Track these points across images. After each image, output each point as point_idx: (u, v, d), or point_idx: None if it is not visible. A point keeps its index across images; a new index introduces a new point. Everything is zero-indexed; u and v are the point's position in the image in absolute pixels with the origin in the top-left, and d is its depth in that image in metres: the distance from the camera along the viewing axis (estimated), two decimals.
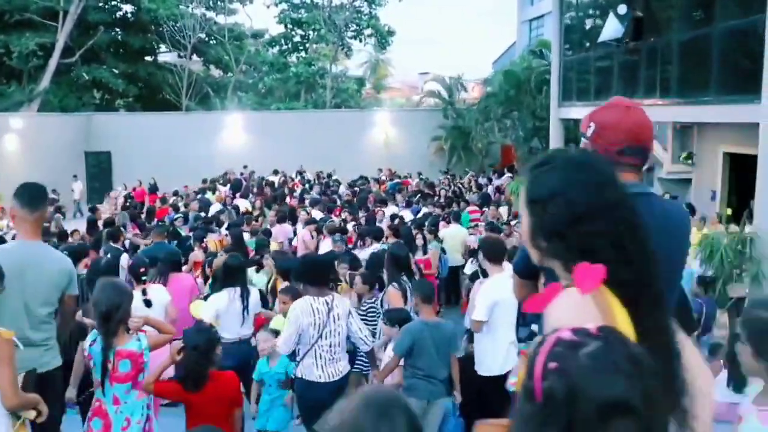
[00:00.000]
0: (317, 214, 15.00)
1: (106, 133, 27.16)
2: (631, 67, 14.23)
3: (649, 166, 18.25)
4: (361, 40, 35.58)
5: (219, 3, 33.66)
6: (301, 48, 34.87)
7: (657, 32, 13.21)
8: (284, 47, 34.58)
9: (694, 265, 9.19)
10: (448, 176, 23.14)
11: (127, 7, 32.65)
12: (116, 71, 32.06)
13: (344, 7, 32.98)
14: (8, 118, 23.10)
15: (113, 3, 32.45)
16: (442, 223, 13.22)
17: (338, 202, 17.49)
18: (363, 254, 10.99)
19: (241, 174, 23.64)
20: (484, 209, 15.80)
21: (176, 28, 30.68)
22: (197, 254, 9.91)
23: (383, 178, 24.10)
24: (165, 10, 30.23)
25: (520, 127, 20.96)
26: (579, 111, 16.24)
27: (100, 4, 31.42)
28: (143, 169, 24.43)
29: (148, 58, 34.04)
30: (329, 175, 24.13)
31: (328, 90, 32.86)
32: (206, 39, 33.97)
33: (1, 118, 22.94)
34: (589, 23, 16.40)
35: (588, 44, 16.19)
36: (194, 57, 35.13)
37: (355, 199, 17.36)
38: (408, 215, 15.83)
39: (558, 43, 17.01)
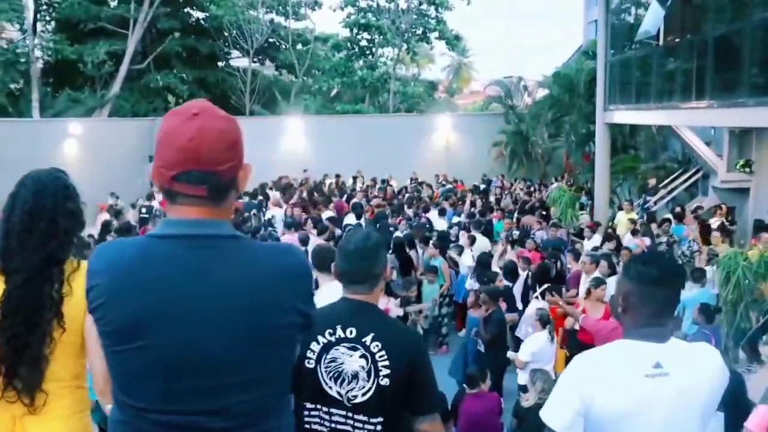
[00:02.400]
0: (351, 218, 14.81)
1: None
2: (681, 65, 13.20)
3: (704, 174, 17.02)
4: (429, 44, 35.07)
5: (288, 8, 33.86)
6: (368, 52, 34.68)
7: (709, 25, 12.10)
8: (351, 51, 34.45)
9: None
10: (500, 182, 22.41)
11: (198, 14, 33.31)
12: (185, 77, 32.79)
13: (410, 11, 32.57)
14: (67, 123, 23.70)
15: (184, 10, 33.17)
16: (462, 235, 12.66)
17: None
18: None
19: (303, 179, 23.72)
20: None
21: (242, 33, 31.08)
22: None
23: (438, 183, 23.68)
24: (231, 16, 30.64)
25: (572, 131, 19.98)
26: (624, 115, 15.29)
27: (170, 11, 32.13)
28: None
29: (218, 64, 34.55)
30: (384, 181, 23.80)
31: (390, 94, 32.51)
32: (274, 43, 34.25)
33: (60, 124, 23.59)
34: (634, 21, 15.41)
35: (633, 44, 15.22)
36: (253, 59, 35.60)
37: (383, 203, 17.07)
38: (442, 224, 15.40)
39: (604, 43, 16.06)
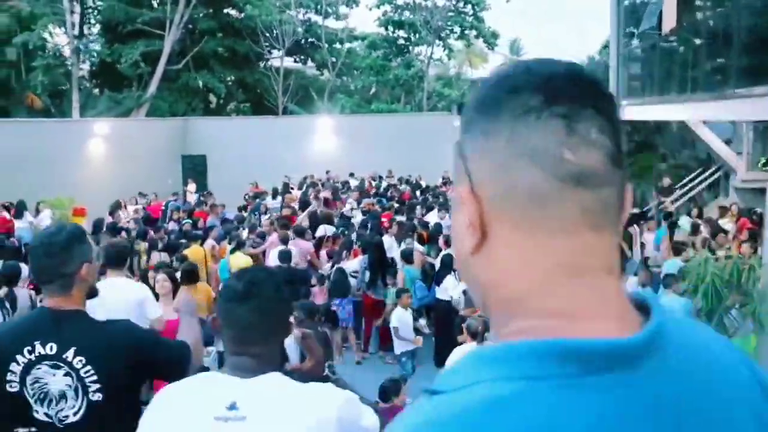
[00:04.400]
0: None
1: (202, 137, 28.05)
2: (698, 54, 12.41)
3: (725, 173, 16.16)
4: (467, 43, 34.57)
5: (326, 8, 33.86)
6: (405, 51, 34.40)
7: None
8: (388, 50, 34.21)
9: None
10: None
11: (234, 13, 33.59)
12: (222, 76, 33.15)
13: (445, 8, 32.14)
14: (93, 123, 24.06)
15: (222, 11, 33.50)
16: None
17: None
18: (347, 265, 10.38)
19: (328, 179, 23.64)
20: None
21: (277, 32, 31.25)
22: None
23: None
24: (266, 15, 30.80)
25: None
26: (638, 111, 14.59)
27: (207, 11, 32.54)
28: (237, 172, 24.92)
29: (255, 63, 34.78)
30: (407, 180, 23.53)
31: (424, 93, 32.15)
32: (312, 42, 34.30)
33: (86, 124, 23.98)
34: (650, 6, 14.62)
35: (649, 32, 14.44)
36: (296, 60, 35.76)
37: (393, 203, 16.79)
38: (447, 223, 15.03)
39: (616, 32, 15.31)
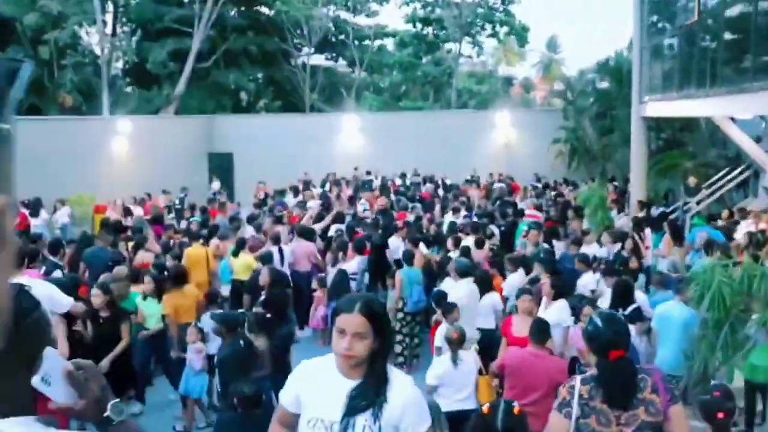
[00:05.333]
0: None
1: (228, 135, 28.02)
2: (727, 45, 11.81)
3: (755, 172, 15.46)
4: (502, 40, 33.98)
5: (357, 4, 33.63)
6: (435, 48, 33.94)
7: None
8: (417, 47, 33.77)
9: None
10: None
11: (264, 10, 33.54)
12: (251, 74, 33.15)
13: (474, 4, 31.62)
14: (116, 121, 24.12)
15: (251, 8, 33.50)
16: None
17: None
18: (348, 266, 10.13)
19: (354, 177, 23.45)
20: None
21: (306, 29, 31.13)
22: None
23: (488, 181, 22.86)
24: (295, 12, 30.65)
25: (618, 126, 18.55)
26: (660, 107, 14.02)
27: (237, 9, 32.55)
28: (263, 170, 24.82)
29: (284, 60, 34.70)
30: (430, 179, 23.17)
31: (453, 90, 31.68)
32: (342, 40, 34.08)
33: (111, 122, 24.00)
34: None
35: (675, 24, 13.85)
36: (327, 57, 35.60)
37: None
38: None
39: (639, 25, 14.70)
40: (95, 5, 28.11)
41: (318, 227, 12.15)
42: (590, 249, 10.59)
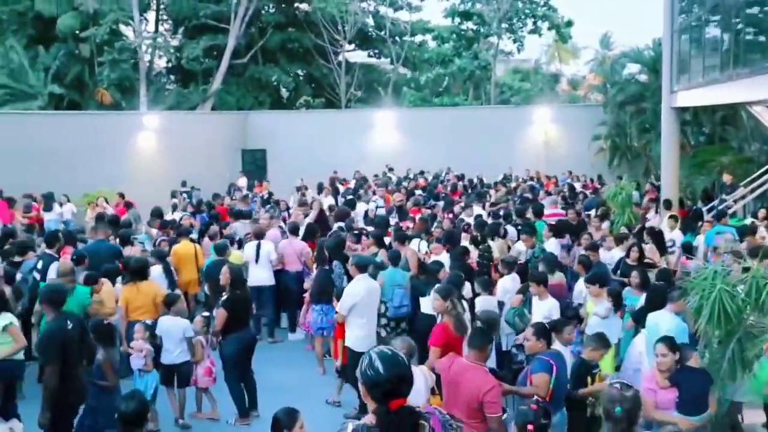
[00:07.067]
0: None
1: (262, 131, 27.72)
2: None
3: None
4: (539, 35, 32.85)
5: (398, 0, 32.98)
6: (475, 43, 32.98)
7: None
8: (457, 42, 32.83)
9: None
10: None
11: (303, 6, 33.17)
12: (288, 70, 32.84)
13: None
14: (144, 116, 23.98)
15: (290, 4, 33.18)
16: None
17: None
18: None
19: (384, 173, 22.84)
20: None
21: (345, 25, 30.67)
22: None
23: (530, 178, 21.98)
24: (333, 8, 30.17)
25: (652, 120, 17.37)
26: (691, 96, 12.95)
27: (274, 5, 32.28)
28: (297, 166, 24.42)
29: (322, 56, 34.27)
30: (461, 176, 22.32)
31: (491, 85, 30.72)
32: (381, 35, 33.45)
33: (140, 118, 23.82)
34: None
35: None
36: (369, 55, 35.05)
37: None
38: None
39: (670, 7, 13.60)
40: (132, 1, 28.22)
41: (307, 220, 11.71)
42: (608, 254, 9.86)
